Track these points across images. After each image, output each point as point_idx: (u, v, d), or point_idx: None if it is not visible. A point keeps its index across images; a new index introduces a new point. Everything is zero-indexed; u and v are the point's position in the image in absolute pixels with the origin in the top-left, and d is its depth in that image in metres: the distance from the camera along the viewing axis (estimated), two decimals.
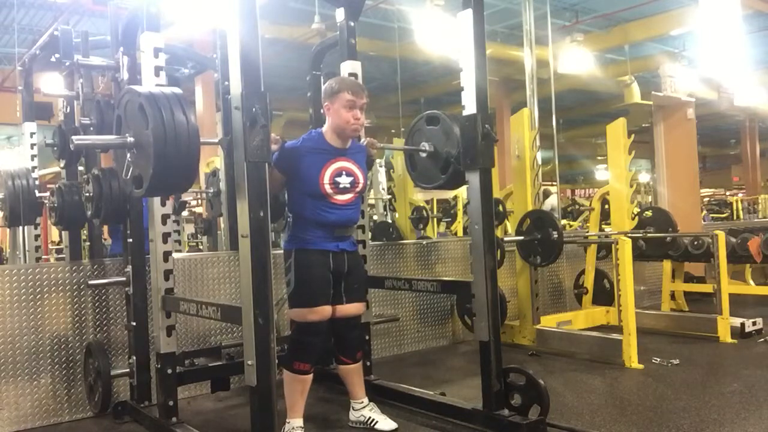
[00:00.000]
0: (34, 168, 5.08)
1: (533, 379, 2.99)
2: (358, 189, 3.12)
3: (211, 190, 5.20)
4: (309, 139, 3.09)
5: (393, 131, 14.47)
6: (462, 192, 7.22)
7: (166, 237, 3.13)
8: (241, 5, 2.40)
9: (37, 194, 4.51)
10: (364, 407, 3.19)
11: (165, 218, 3.13)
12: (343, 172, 3.05)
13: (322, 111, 3.16)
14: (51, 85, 5.15)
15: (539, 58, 6.68)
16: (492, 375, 3.03)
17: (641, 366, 4.14)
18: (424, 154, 3.52)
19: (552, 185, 8.65)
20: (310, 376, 2.99)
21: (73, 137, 2.43)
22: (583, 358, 4.48)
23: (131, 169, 2.40)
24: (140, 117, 2.29)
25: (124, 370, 3.50)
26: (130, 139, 2.37)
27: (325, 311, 2.98)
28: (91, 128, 3.57)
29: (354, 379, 3.20)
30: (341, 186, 3.03)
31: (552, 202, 8.19)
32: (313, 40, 9.36)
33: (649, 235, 5.55)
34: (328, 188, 3.00)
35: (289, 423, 2.95)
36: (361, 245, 3.82)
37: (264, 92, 2.40)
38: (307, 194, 3.01)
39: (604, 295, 5.56)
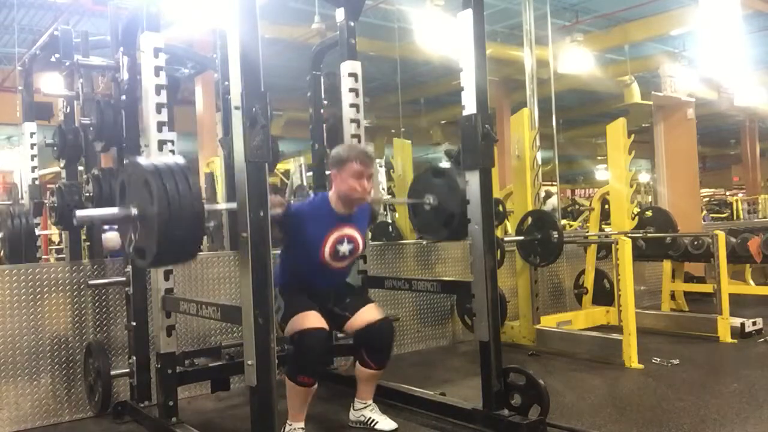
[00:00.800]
0: (34, 168, 5.09)
1: (533, 379, 2.99)
2: (356, 255, 3.15)
3: (212, 223, 5.03)
4: (314, 205, 3.09)
5: (393, 131, 14.46)
6: None
7: None
8: (241, 5, 2.40)
9: (37, 233, 4.53)
10: (365, 407, 3.18)
11: None
12: (345, 239, 3.06)
13: (328, 175, 3.14)
14: (51, 85, 5.16)
15: (539, 58, 6.68)
16: (492, 375, 3.03)
17: (641, 366, 4.14)
18: (427, 207, 3.52)
19: (552, 185, 8.65)
20: (315, 387, 2.94)
21: (77, 212, 2.40)
22: (583, 358, 4.48)
23: (134, 241, 2.35)
24: (144, 191, 2.25)
25: (124, 370, 3.49)
26: (134, 212, 2.31)
27: (319, 318, 2.92)
28: (91, 128, 3.57)
29: (370, 383, 3.19)
30: (341, 254, 3.06)
31: (553, 202, 8.20)
32: (313, 40, 9.36)
33: (649, 235, 5.55)
34: (327, 257, 3.03)
35: (290, 425, 2.95)
36: None
37: (264, 92, 2.40)
38: (304, 256, 3.02)
39: (604, 295, 5.56)
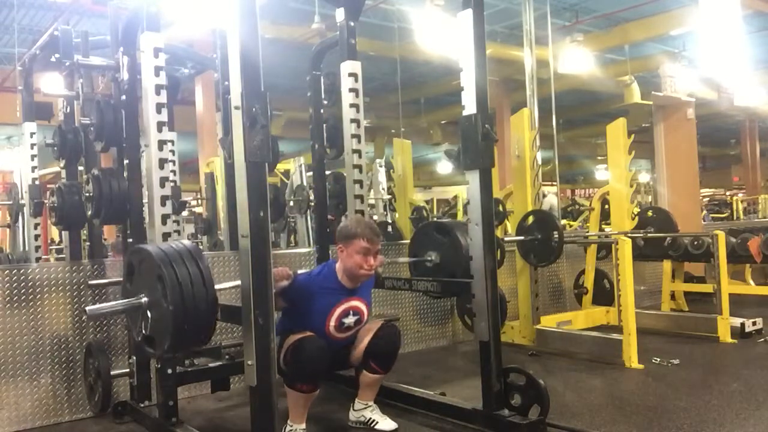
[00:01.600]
0: (34, 168, 5.09)
1: (533, 379, 2.99)
2: (360, 326, 3.15)
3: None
4: (322, 278, 3.07)
5: (393, 131, 14.45)
6: (462, 192, 7.21)
7: (166, 237, 3.12)
8: (241, 5, 2.40)
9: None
10: (365, 408, 3.19)
11: (165, 218, 3.13)
12: (351, 312, 3.07)
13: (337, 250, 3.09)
14: (51, 85, 5.16)
15: (539, 58, 6.68)
16: (492, 375, 3.03)
17: (641, 366, 4.14)
18: (429, 264, 3.52)
19: (552, 185, 8.64)
20: (317, 392, 2.95)
21: (87, 308, 2.41)
22: (583, 358, 4.48)
23: (143, 330, 2.33)
24: (156, 283, 2.23)
25: (124, 370, 3.50)
26: (144, 300, 2.30)
27: (315, 335, 2.92)
28: (91, 128, 3.57)
29: (374, 386, 3.19)
30: (345, 326, 3.06)
31: (550, 201, 8.15)
32: (313, 40, 9.35)
33: (649, 235, 5.55)
34: (332, 330, 3.03)
35: (291, 426, 2.95)
36: None
37: (264, 92, 2.40)
38: (308, 328, 2.99)
39: (604, 295, 5.56)
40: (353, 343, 3.15)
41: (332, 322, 3.02)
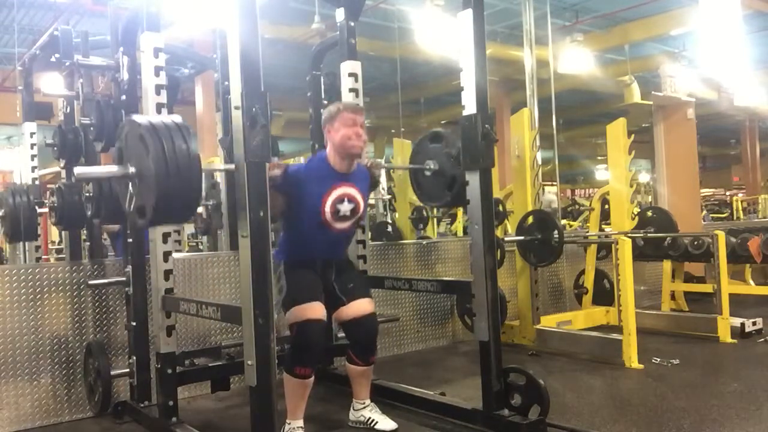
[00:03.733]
0: (34, 168, 5.09)
1: (533, 379, 2.99)
2: (357, 216, 3.15)
3: (211, 202, 5.00)
4: (313, 164, 3.10)
5: (393, 131, 14.45)
6: None
7: (166, 237, 3.13)
8: (241, 5, 2.40)
9: (38, 210, 4.52)
10: (364, 407, 3.19)
11: None
12: (345, 199, 3.06)
13: (324, 136, 3.13)
14: (51, 85, 5.16)
15: (539, 58, 6.68)
16: (492, 375, 3.03)
17: (641, 366, 4.14)
18: (428, 173, 3.53)
19: (552, 185, 8.63)
20: (312, 380, 2.97)
21: (75, 169, 2.42)
22: (583, 358, 4.48)
23: (134, 199, 2.35)
24: (141, 147, 2.25)
25: (124, 370, 3.50)
26: (132, 170, 2.31)
27: (320, 309, 2.95)
28: (91, 128, 3.57)
29: (361, 380, 3.19)
30: (341, 214, 3.05)
31: (549, 199, 8.12)
32: (313, 40, 9.35)
33: (649, 235, 5.55)
34: (329, 216, 3.02)
35: (289, 424, 2.95)
36: (361, 245, 3.83)
37: (264, 92, 2.40)
38: (305, 218, 3.03)
39: (604, 295, 5.56)
40: (344, 284, 3.12)
41: (328, 208, 3.00)
